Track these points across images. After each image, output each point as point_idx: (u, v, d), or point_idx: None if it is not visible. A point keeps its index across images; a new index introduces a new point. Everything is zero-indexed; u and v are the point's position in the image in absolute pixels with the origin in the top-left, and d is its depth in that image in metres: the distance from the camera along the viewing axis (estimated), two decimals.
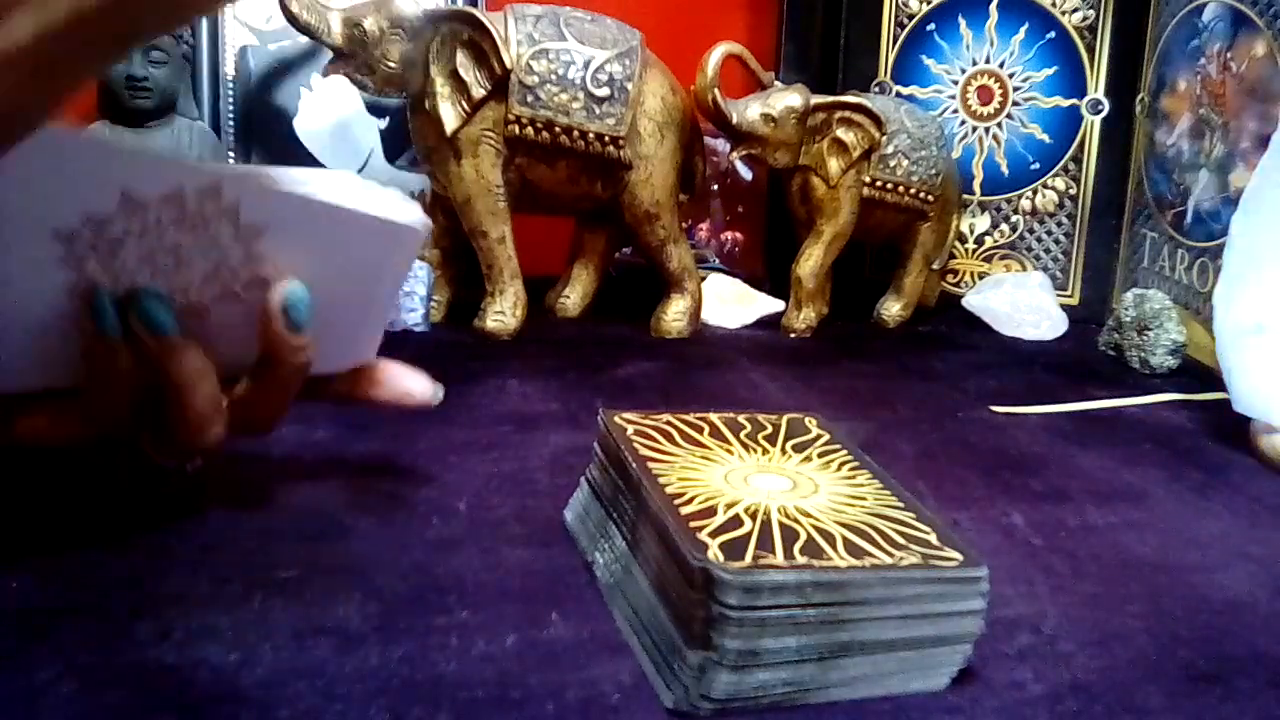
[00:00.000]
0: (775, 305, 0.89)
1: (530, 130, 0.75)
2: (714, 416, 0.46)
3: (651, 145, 0.79)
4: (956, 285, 0.98)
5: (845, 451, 0.44)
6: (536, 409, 0.62)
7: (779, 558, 0.32)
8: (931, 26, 0.95)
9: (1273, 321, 0.61)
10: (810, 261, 0.85)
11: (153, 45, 0.80)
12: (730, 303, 0.89)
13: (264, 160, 0.88)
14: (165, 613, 0.36)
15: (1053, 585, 0.43)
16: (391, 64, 0.74)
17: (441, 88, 0.74)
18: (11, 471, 0.46)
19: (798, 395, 0.69)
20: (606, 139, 0.76)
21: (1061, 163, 0.95)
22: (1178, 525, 0.50)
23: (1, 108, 0.28)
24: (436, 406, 0.61)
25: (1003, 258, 0.98)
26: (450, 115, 0.74)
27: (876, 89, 0.96)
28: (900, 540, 0.35)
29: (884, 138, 0.83)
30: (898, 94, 0.95)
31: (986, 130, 0.96)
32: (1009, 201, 0.97)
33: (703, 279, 0.86)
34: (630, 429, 0.43)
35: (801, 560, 0.33)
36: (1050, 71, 0.94)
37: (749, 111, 0.81)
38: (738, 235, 1.04)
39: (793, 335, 0.85)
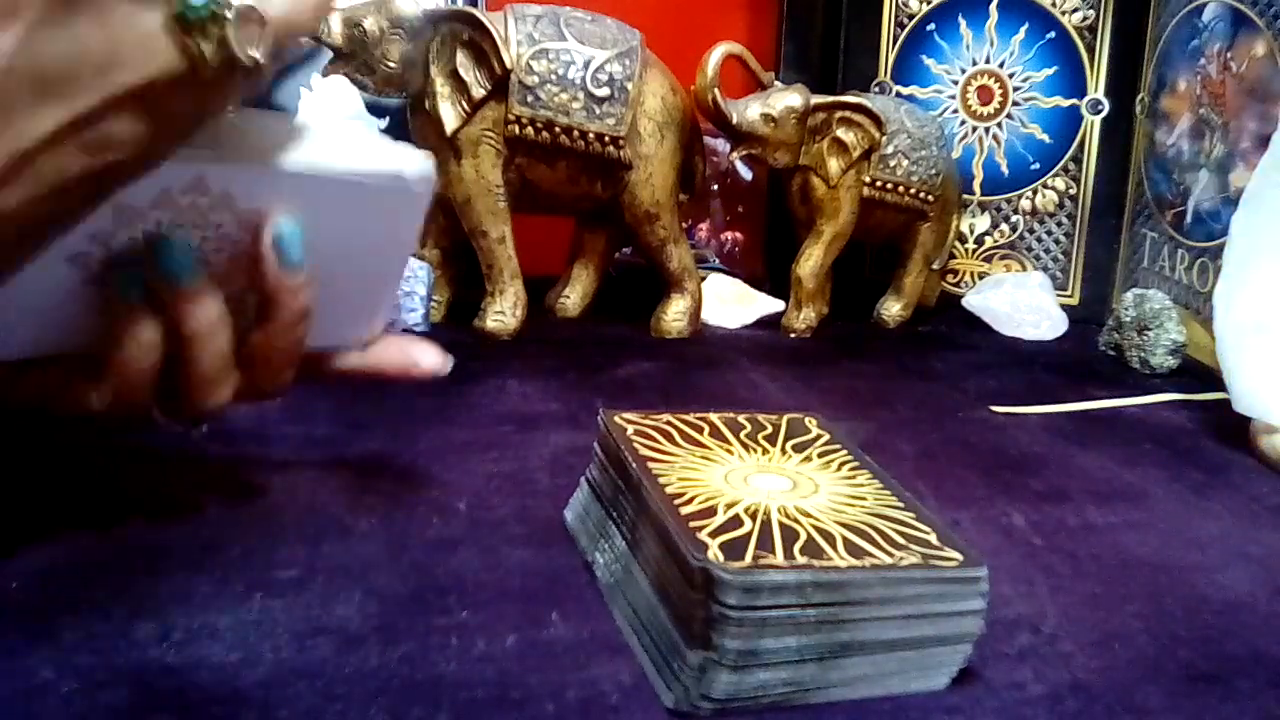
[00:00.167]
0: (775, 305, 0.89)
1: (530, 130, 0.75)
2: (714, 416, 0.46)
3: (651, 145, 0.79)
4: (956, 285, 0.98)
5: (845, 451, 0.44)
6: (536, 409, 0.62)
7: (779, 558, 0.32)
8: (931, 26, 0.95)
9: (1273, 321, 0.61)
10: (810, 261, 0.85)
11: None
12: (730, 303, 0.89)
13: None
14: (165, 613, 0.36)
15: (1053, 585, 0.43)
16: (391, 64, 0.74)
17: (441, 88, 0.74)
18: (11, 471, 0.46)
19: (798, 395, 0.69)
20: (606, 139, 0.76)
21: (1061, 163, 0.95)
22: (1178, 525, 0.50)
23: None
24: (436, 406, 0.61)
25: (1003, 258, 0.98)
26: (450, 115, 0.74)
27: (876, 89, 0.96)
28: (900, 540, 0.35)
29: (884, 138, 0.83)
30: (898, 94, 0.95)
31: (986, 130, 0.96)
32: (1009, 201, 0.97)
33: (703, 279, 0.86)
34: (630, 429, 0.43)
35: (801, 560, 0.33)
36: (1050, 71, 0.94)
37: (749, 111, 0.81)
38: (738, 235, 1.03)
39: (793, 335, 0.85)
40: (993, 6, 0.94)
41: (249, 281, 0.37)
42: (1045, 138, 0.95)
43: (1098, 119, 0.94)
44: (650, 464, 0.39)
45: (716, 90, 0.78)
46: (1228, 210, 0.72)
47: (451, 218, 0.79)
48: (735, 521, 0.35)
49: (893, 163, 0.85)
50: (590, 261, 0.88)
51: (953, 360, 0.80)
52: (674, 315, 0.82)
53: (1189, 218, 0.83)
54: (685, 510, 0.35)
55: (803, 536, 0.34)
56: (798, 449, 0.44)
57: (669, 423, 0.44)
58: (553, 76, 0.75)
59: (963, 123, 0.96)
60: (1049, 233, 0.96)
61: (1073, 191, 0.95)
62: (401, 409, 0.60)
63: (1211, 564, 0.46)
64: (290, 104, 0.89)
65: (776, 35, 1.02)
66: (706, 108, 0.79)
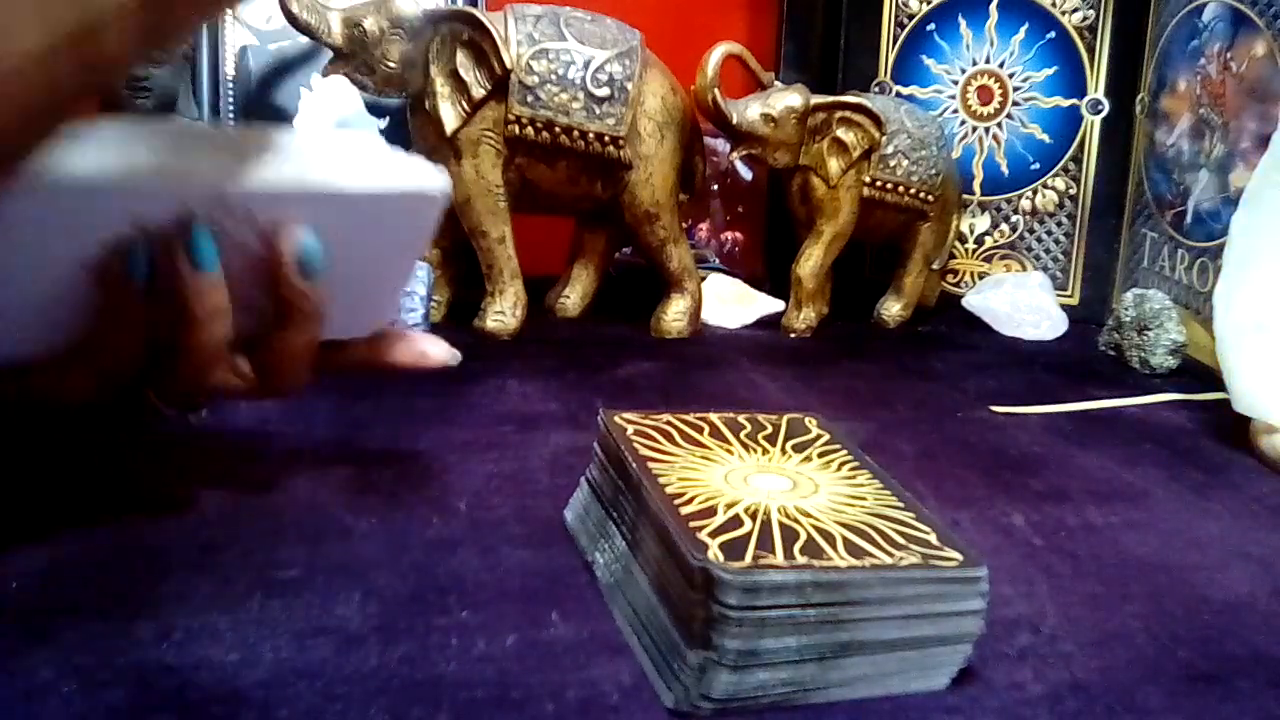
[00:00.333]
0: (775, 305, 0.89)
1: (530, 130, 0.75)
2: (714, 416, 0.46)
3: (651, 145, 0.79)
4: (956, 285, 0.98)
5: (845, 451, 0.44)
6: (536, 409, 0.62)
7: (779, 558, 0.32)
8: (931, 26, 0.95)
9: (1273, 321, 0.61)
10: (810, 261, 0.85)
11: None
12: (730, 303, 0.89)
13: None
14: (165, 613, 0.36)
15: (1053, 585, 0.43)
16: (391, 64, 0.74)
17: (441, 88, 0.74)
18: (11, 471, 0.46)
19: (798, 395, 0.69)
20: (606, 139, 0.76)
21: (1061, 163, 0.95)
22: (1178, 525, 0.50)
23: (13, 119, 0.28)
24: (436, 406, 0.61)
25: (1003, 258, 0.98)
26: (450, 115, 0.74)
27: (876, 89, 0.96)
28: (900, 540, 0.35)
29: (884, 138, 0.83)
30: (898, 94, 0.95)
31: (986, 130, 0.96)
32: (1009, 201, 0.97)
33: (703, 279, 0.86)
34: (630, 429, 0.43)
35: (801, 560, 0.33)
36: (1050, 71, 0.94)
37: (749, 111, 0.81)
38: (738, 235, 1.03)
39: (793, 335, 0.85)
40: (993, 6, 0.94)
41: (262, 285, 0.38)
42: (1045, 138, 0.95)
43: (1098, 119, 0.94)
44: (650, 464, 0.39)
45: (716, 90, 0.78)
46: (1228, 210, 0.72)
47: (451, 218, 0.79)
48: (735, 521, 0.35)
49: (893, 163, 0.85)
50: (590, 261, 0.88)
51: (953, 360, 0.80)
52: (674, 315, 0.82)
53: (1189, 218, 0.83)
54: (685, 510, 0.35)
55: (803, 536, 0.34)
56: (798, 449, 0.44)
57: (669, 423, 0.44)
58: (553, 76, 0.75)
59: (963, 123, 0.96)
60: (1049, 233, 0.96)
61: (1073, 191, 0.95)
62: (401, 409, 0.60)
63: (1211, 564, 0.46)
64: (290, 104, 0.89)
65: (776, 35, 1.02)
66: (706, 108, 0.79)
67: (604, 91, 0.76)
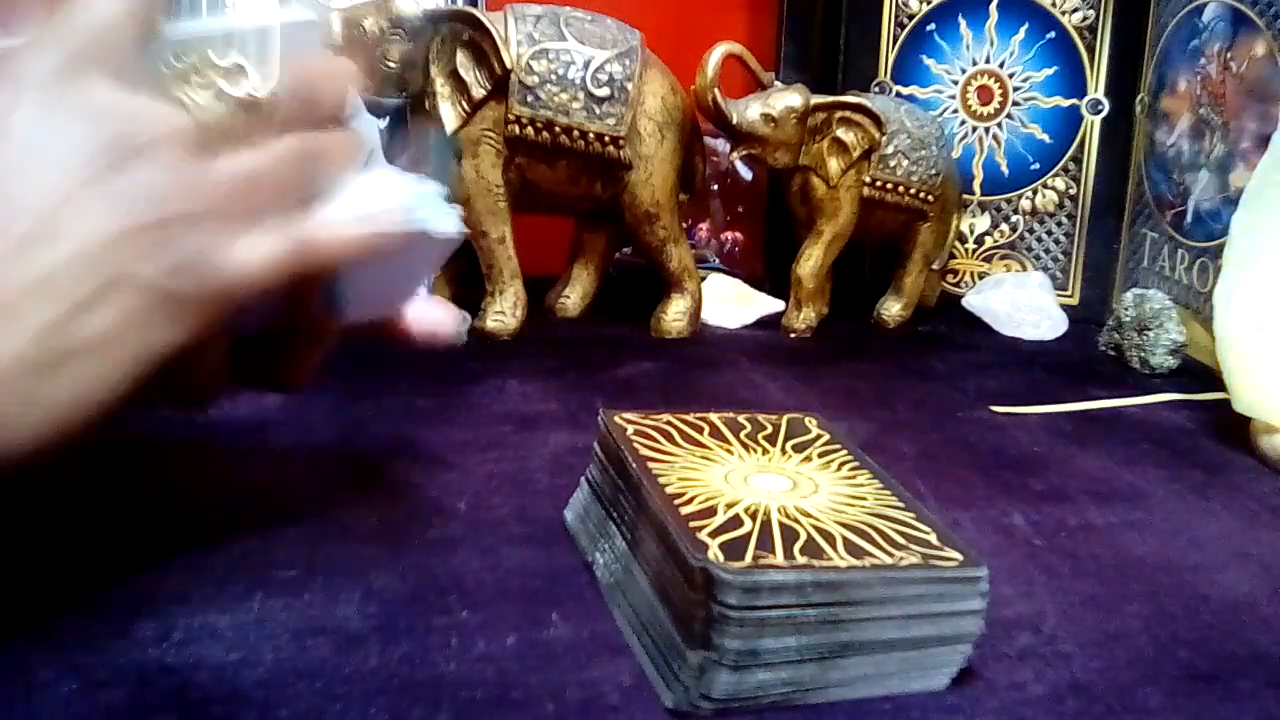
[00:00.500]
0: (775, 305, 0.89)
1: (530, 130, 0.75)
2: (714, 416, 0.46)
3: (651, 145, 0.79)
4: (956, 285, 0.98)
5: (845, 451, 0.44)
6: (536, 409, 0.62)
7: (779, 558, 0.32)
8: (931, 26, 0.95)
9: (1273, 321, 0.61)
10: (810, 261, 0.85)
11: None
12: (730, 303, 0.89)
13: None
14: (165, 613, 0.36)
15: (1053, 585, 0.43)
16: (391, 64, 0.74)
17: (441, 88, 0.74)
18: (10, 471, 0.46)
19: (798, 395, 0.69)
20: (606, 139, 0.76)
21: (1061, 163, 0.95)
22: (1178, 525, 0.50)
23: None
24: (436, 406, 0.61)
25: (1003, 258, 0.98)
26: (450, 115, 0.74)
27: (876, 89, 0.96)
28: (900, 540, 0.35)
29: (884, 138, 0.83)
30: (898, 94, 0.95)
31: (986, 130, 0.96)
32: (1009, 201, 0.97)
33: (703, 279, 0.86)
34: (630, 429, 0.43)
35: (801, 560, 0.33)
36: (1050, 71, 0.94)
37: (749, 111, 0.81)
38: (738, 235, 1.03)
39: (793, 335, 0.85)
40: (993, 6, 0.94)
41: (283, 305, 0.38)
42: (1045, 138, 0.95)
43: (1098, 119, 0.94)
44: (650, 464, 0.39)
45: (716, 90, 0.78)
46: (1228, 210, 0.72)
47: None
48: (735, 521, 0.35)
49: (893, 163, 0.85)
50: (590, 261, 0.88)
51: (953, 360, 0.80)
52: (674, 315, 0.82)
53: (1189, 218, 0.83)
54: (685, 510, 0.35)
55: (803, 536, 0.34)
56: (798, 449, 0.44)
57: (669, 423, 0.44)
58: (553, 76, 0.75)
59: (963, 123, 0.96)
60: (1049, 233, 0.96)
61: (1073, 191, 0.95)
62: (401, 409, 0.60)
63: (1211, 564, 0.46)
64: None
65: (776, 35, 1.02)
66: (706, 108, 0.79)
67: (604, 91, 0.76)
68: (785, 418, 0.47)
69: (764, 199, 1.01)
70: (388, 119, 0.78)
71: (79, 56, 0.33)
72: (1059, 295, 0.94)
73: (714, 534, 0.34)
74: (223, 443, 0.53)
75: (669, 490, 0.37)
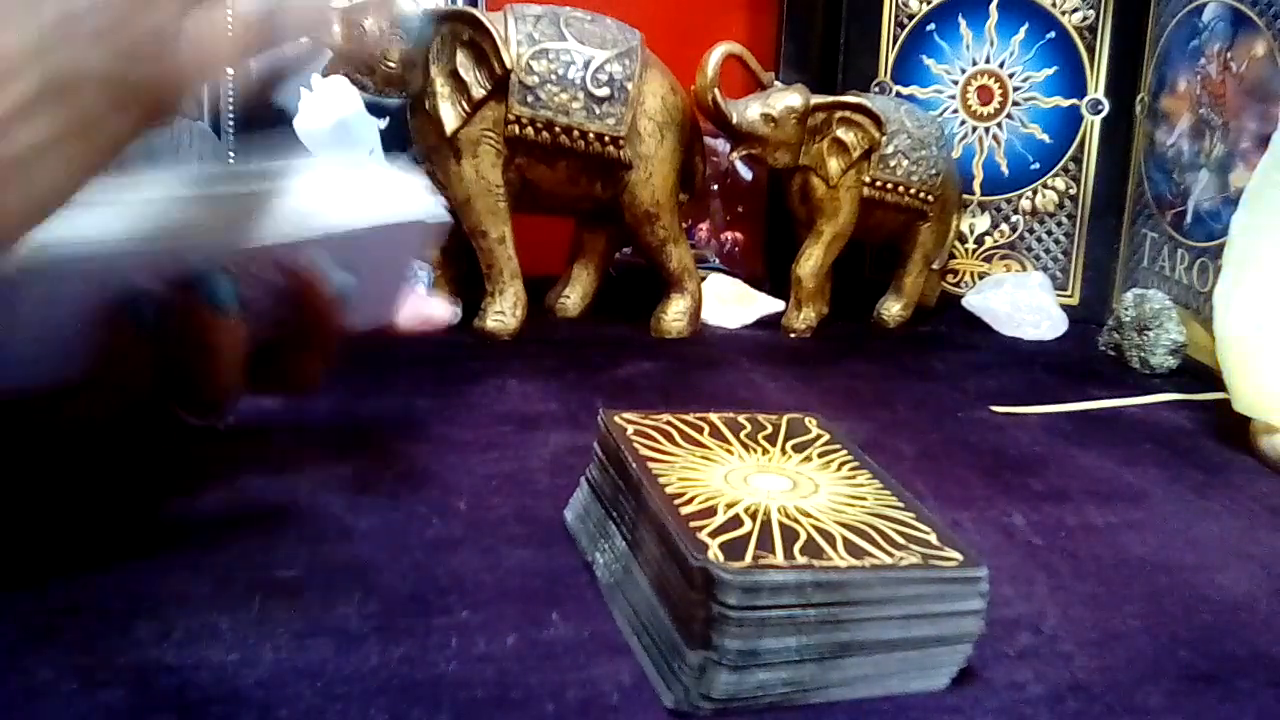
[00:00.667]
0: (775, 305, 0.89)
1: (530, 130, 0.75)
2: (714, 416, 0.46)
3: (651, 145, 0.79)
4: (956, 285, 0.98)
5: (845, 451, 0.44)
6: (536, 409, 0.62)
7: (779, 558, 0.32)
8: (931, 26, 0.95)
9: (1273, 321, 0.61)
10: (810, 261, 0.85)
11: None
12: (730, 303, 0.89)
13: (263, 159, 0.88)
14: (165, 613, 0.36)
15: (1053, 585, 0.43)
16: (391, 64, 0.74)
17: (441, 88, 0.74)
18: (10, 471, 0.46)
19: (798, 395, 0.69)
20: (606, 139, 0.76)
21: (1061, 163, 0.95)
22: (1178, 525, 0.50)
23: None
24: (436, 406, 0.61)
25: (1003, 258, 0.98)
26: (450, 115, 0.74)
27: (876, 89, 0.96)
28: (900, 540, 0.35)
29: (884, 138, 0.83)
30: (898, 94, 0.95)
31: (986, 130, 0.96)
32: (1009, 201, 0.97)
33: (703, 279, 0.86)
34: (630, 429, 0.43)
35: (801, 560, 0.33)
36: (1050, 71, 0.94)
37: (749, 111, 0.80)
38: (738, 235, 1.03)
39: (793, 335, 0.85)
40: (993, 6, 0.94)
41: (290, 308, 0.39)
42: (1045, 138, 0.95)
43: (1098, 119, 0.94)
44: (650, 464, 0.39)
45: (716, 90, 0.78)
46: (1228, 210, 0.72)
47: (452, 217, 0.79)
48: (735, 521, 0.35)
49: (893, 163, 0.85)
50: (590, 261, 0.88)
51: (953, 360, 0.80)
52: (674, 315, 0.82)
53: (1189, 218, 0.83)
54: (685, 510, 0.35)
55: (803, 536, 0.34)
56: (798, 449, 0.44)
57: (669, 423, 0.44)
58: (553, 76, 0.75)
59: (963, 123, 0.96)
60: (1049, 233, 0.96)
61: (1073, 191, 0.95)
62: (401, 409, 0.60)
63: (1211, 564, 0.46)
64: (290, 104, 0.89)
65: (776, 35, 1.02)
66: (706, 108, 0.79)
67: (604, 91, 0.76)
68: (785, 418, 0.47)
69: (764, 199, 1.01)
70: (387, 119, 0.78)
71: None
72: (1059, 295, 0.94)
73: (714, 534, 0.34)
74: (223, 443, 0.53)
75: (669, 490, 0.37)
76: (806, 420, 0.47)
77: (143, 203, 0.35)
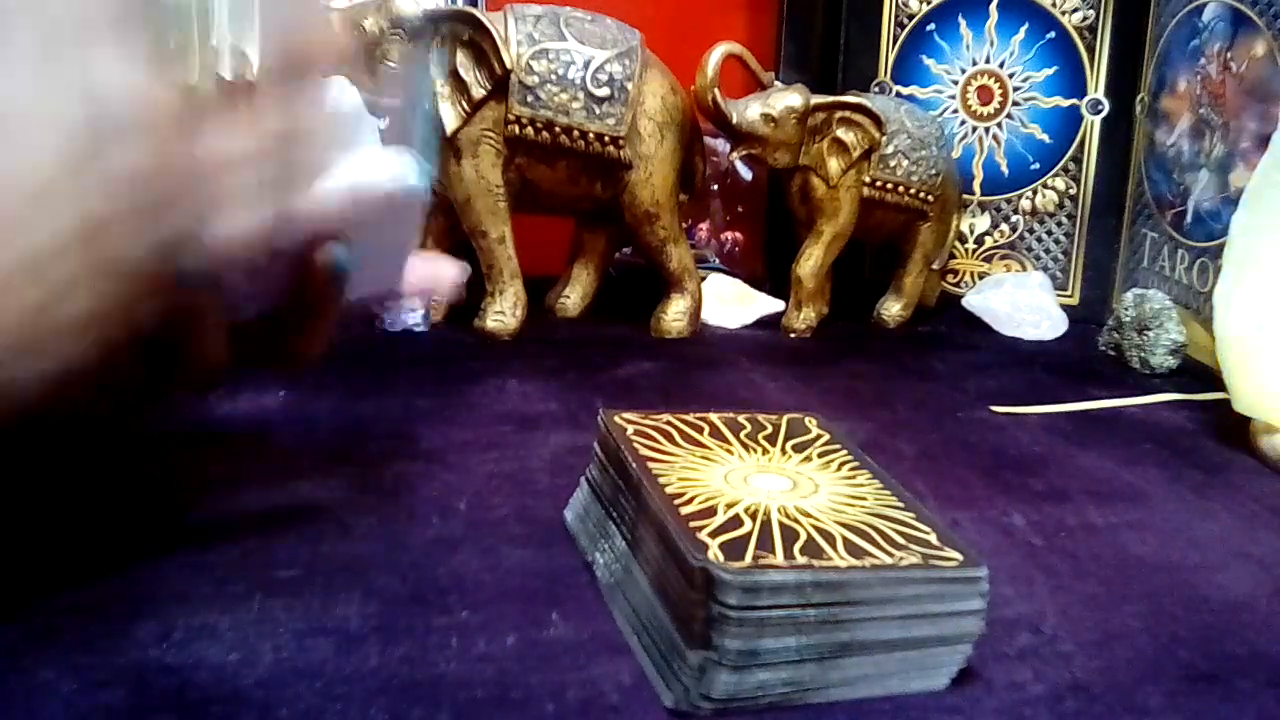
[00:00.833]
0: (775, 305, 0.89)
1: (530, 130, 0.75)
2: (714, 416, 0.46)
3: (651, 145, 0.79)
4: (956, 285, 0.98)
5: (845, 451, 0.44)
6: (536, 409, 0.62)
7: (779, 558, 0.32)
8: (931, 26, 0.95)
9: (1273, 321, 0.61)
10: (810, 261, 0.85)
11: None
12: (730, 303, 0.89)
13: None
14: (165, 613, 0.36)
15: (1053, 585, 0.43)
16: (391, 64, 0.74)
17: (441, 88, 0.74)
18: (10, 472, 0.46)
19: (798, 395, 0.69)
20: (606, 139, 0.76)
21: (1061, 163, 0.95)
22: (1178, 525, 0.50)
23: None
24: (436, 406, 0.61)
25: (1003, 258, 0.98)
26: (450, 115, 0.74)
27: (876, 89, 0.96)
28: (900, 540, 0.35)
29: (884, 138, 0.83)
30: (898, 94, 0.95)
31: (986, 130, 0.96)
32: (1009, 201, 0.97)
33: (703, 279, 0.86)
34: (630, 429, 0.43)
35: (801, 560, 0.33)
36: (1050, 71, 0.94)
37: (749, 111, 0.81)
38: (738, 235, 1.03)
39: (793, 335, 0.85)
40: (993, 6, 0.94)
41: (291, 279, 0.38)
42: (1045, 138, 0.95)
43: (1098, 119, 0.94)
44: (650, 464, 0.39)
45: (716, 90, 0.78)
46: (1228, 210, 0.72)
47: (452, 218, 0.79)
48: (735, 521, 0.35)
49: (893, 163, 0.85)
50: (590, 261, 0.88)
51: (953, 360, 0.80)
52: (674, 315, 0.82)
53: (1189, 218, 0.83)
54: (685, 510, 0.35)
55: (803, 536, 0.34)
56: (798, 449, 0.44)
57: (669, 423, 0.44)
58: (553, 76, 0.75)
59: (963, 123, 0.96)
60: (1049, 233, 0.96)
61: (1073, 191, 0.95)
62: (401, 409, 0.60)
63: (1211, 564, 0.46)
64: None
65: (776, 35, 1.02)
66: (706, 108, 0.79)
67: (604, 91, 0.76)
68: (785, 418, 0.47)
69: (764, 199, 1.01)
70: (388, 119, 0.78)
71: (79, 20, 0.31)
72: (1059, 295, 0.94)
73: (714, 534, 0.34)
74: (223, 443, 0.53)
75: (669, 490, 0.37)
76: (806, 420, 0.47)
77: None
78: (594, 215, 0.85)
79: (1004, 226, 0.97)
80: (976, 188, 0.97)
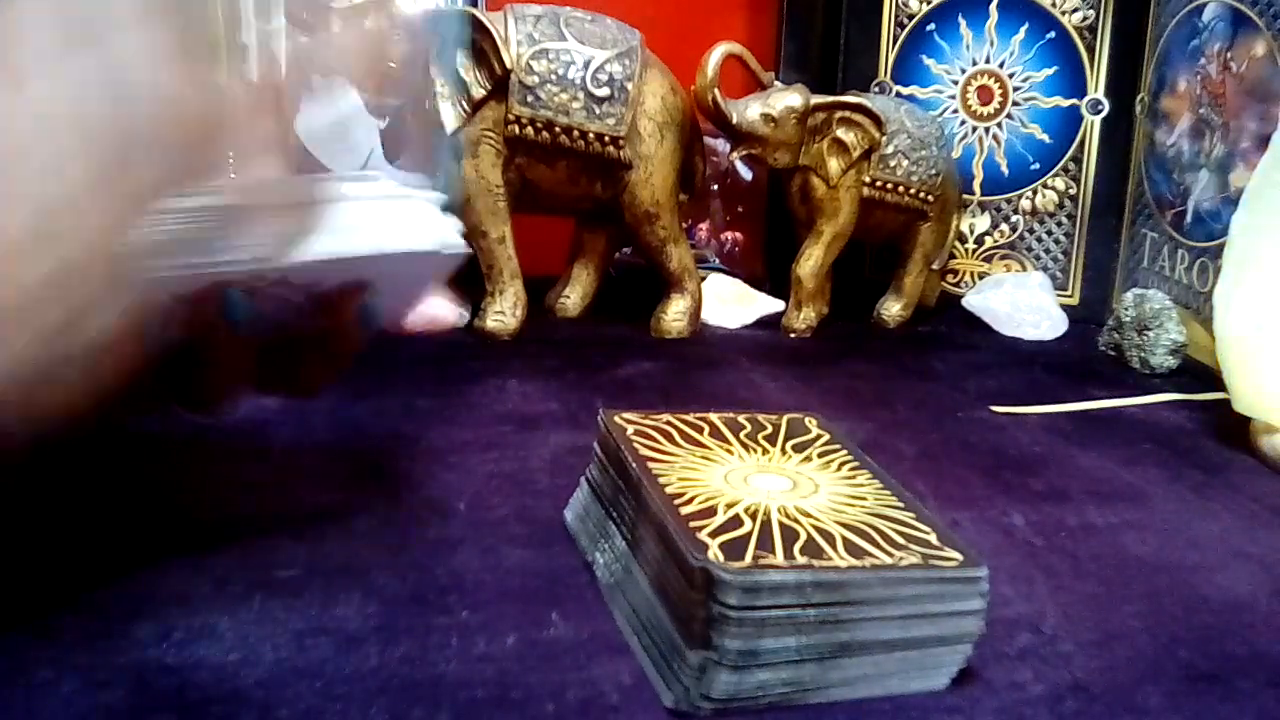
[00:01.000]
0: (775, 305, 0.89)
1: (530, 130, 0.75)
2: (714, 416, 0.46)
3: (651, 145, 0.79)
4: (956, 285, 0.98)
5: (845, 451, 0.44)
6: (536, 409, 0.62)
7: (779, 558, 0.32)
8: (931, 26, 0.95)
9: (1273, 321, 0.61)
10: (810, 261, 0.85)
11: None
12: (730, 303, 0.89)
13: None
14: (165, 613, 0.36)
15: (1053, 585, 0.43)
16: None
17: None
18: (11, 472, 0.46)
19: (798, 395, 0.69)
20: (606, 139, 0.76)
21: (1061, 163, 0.95)
22: (1177, 525, 0.50)
23: None
24: (436, 406, 0.61)
25: (1003, 258, 0.98)
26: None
27: (876, 89, 0.96)
28: (900, 540, 0.35)
29: (884, 138, 0.83)
30: (898, 94, 0.95)
31: (986, 130, 0.96)
32: (1009, 201, 0.97)
33: (703, 279, 0.86)
34: (630, 429, 0.43)
35: (801, 560, 0.33)
36: (1050, 71, 0.94)
37: (749, 111, 0.81)
38: (738, 235, 1.03)
39: (793, 335, 0.85)
40: (993, 6, 0.94)
41: (316, 322, 0.39)
42: (1045, 138, 0.95)
43: (1098, 119, 0.94)
44: (650, 464, 0.39)
45: (716, 90, 0.78)
46: (1228, 210, 0.72)
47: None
48: (735, 521, 0.35)
49: (893, 163, 0.85)
50: (590, 261, 0.88)
51: (953, 360, 0.80)
52: (674, 315, 0.82)
53: (1189, 218, 0.83)
54: (685, 510, 0.35)
55: (803, 536, 0.34)
56: (798, 449, 0.44)
57: (669, 423, 0.44)
58: (553, 76, 0.75)
59: (963, 123, 0.96)
60: (1049, 233, 0.96)
61: (1073, 191, 0.95)
62: (401, 409, 0.60)
63: (1211, 564, 0.46)
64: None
65: (776, 35, 1.02)
66: (706, 108, 0.79)
67: (604, 91, 0.76)
68: (785, 418, 0.47)
69: (764, 199, 1.01)
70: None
71: (105, 15, 0.29)
72: (1059, 295, 0.94)
73: (714, 534, 0.34)
74: (223, 443, 0.53)
75: (669, 490, 0.37)
76: (806, 420, 0.47)
77: (179, 212, 0.35)
78: (594, 215, 0.85)
79: (1004, 226, 0.97)
80: (976, 188, 0.97)
